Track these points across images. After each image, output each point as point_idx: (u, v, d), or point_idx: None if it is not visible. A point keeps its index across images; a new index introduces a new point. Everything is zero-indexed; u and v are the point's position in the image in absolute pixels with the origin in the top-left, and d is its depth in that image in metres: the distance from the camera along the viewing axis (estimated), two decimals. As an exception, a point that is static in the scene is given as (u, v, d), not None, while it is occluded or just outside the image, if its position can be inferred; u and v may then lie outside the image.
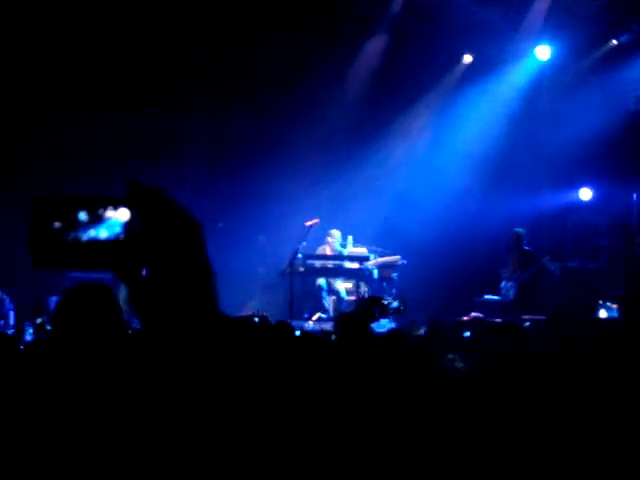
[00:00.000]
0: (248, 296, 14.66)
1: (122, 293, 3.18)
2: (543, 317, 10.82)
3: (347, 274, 14.41)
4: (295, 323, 10.39)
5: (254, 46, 15.15)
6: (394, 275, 14.43)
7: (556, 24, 14.98)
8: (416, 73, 15.68)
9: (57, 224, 1.58)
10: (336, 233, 14.60)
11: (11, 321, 13.22)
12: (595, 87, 14.97)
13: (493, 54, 15.47)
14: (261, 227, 15.89)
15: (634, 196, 14.26)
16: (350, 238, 14.70)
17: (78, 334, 3.18)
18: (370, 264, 14.21)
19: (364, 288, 14.19)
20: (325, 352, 4.92)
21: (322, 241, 14.62)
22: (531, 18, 15.27)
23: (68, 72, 14.89)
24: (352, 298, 14.26)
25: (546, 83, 15.68)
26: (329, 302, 14.50)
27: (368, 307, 9.55)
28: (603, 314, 12.31)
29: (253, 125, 16.12)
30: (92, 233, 1.57)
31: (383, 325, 10.52)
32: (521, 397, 4.08)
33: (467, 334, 8.04)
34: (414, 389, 4.24)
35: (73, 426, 2.71)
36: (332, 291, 14.54)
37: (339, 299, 14.47)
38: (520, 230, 13.99)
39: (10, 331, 12.13)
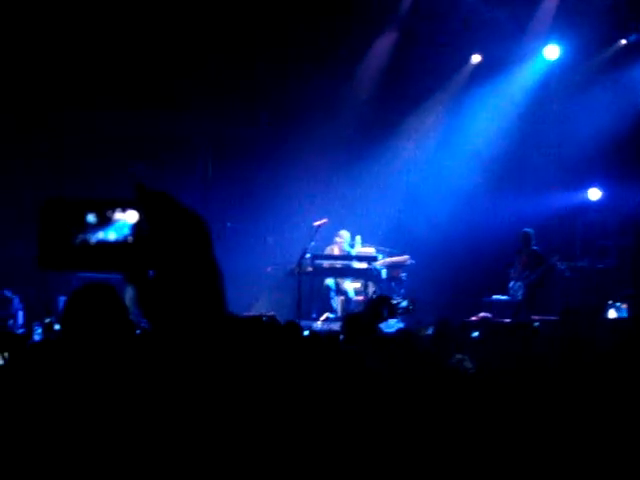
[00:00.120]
0: (256, 296, 14.66)
1: (129, 293, 3.18)
2: (552, 317, 10.81)
3: (355, 274, 14.40)
4: (303, 323, 10.37)
5: (262, 46, 15.14)
6: (402, 275, 14.42)
7: (565, 24, 14.94)
8: (425, 73, 15.65)
9: (67, 227, 1.59)
10: (345, 234, 14.59)
11: (20, 321, 13.24)
12: (604, 87, 14.94)
13: (502, 54, 15.43)
14: (269, 228, 15.89)
15: (643, 196, 14.26)
16: (358, 238, 14.70)
17: (85, 333, 3.18)
18: (378, 264, 14.20)
19: (372, 288, 14.18)
20: (332, 352, 4.91)
21: (330, 241, 14.61)
22: (540, 17, 15.23)
23: (73, 72, 14.88)
24: (360, 298, 14.25)
25: (555, 83, 15.64)
26: (337, 302, 14.49)
27: (376, 307, 9.54)
28: (613, 314, 12.28)
29: (261, 125, 16.12)
30: (101, 235, 1.57)
31: (391, 325, 10.51)
32: (530, 398, 4.07)
33: (475, 334, 8.03)
34: (423, 389, 4.23)
35: (80, 425, 2.72)
36: (340, 291, 14.53)
37: (347, 299, 14.46)
38: (529, 230, 13.96)
39: (19, 331, 12.14)
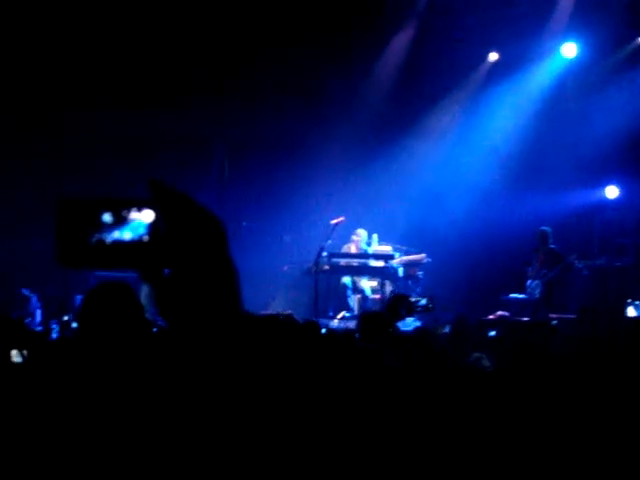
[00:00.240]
0: (272, 295, 14.67)
1: (144, 291, 3.17)
2: (570, 316, 10.77)
3: (372, 272, 14.39)
4: (320, 321, 10.38)
5: (280, 45, 15.14)
6: (419, 273, 14.41)
7: (582, 22, 14.90)
8: (442, 71, 15.64)
9: (83, 226, 1.59)
10: (362, 233, 14.58)
11: (37, 319, 13.30)
12: (621, 85, 14.88)
13: (519, 52, 15.39)
14: (286, 226, 15.89)
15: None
16: (375, 236, 14.69)
17: (102, 332, 3.19)
18: (395, 262, 14.18)
19: (389, 286, 14.16)
20: (349, 350, 4.91)
21: (347, 239, 14.60)
22: (557, 15, 15.18)
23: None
24: (377, 296, 14.24)
25: (572, 81, 15.58)
26: (354, 300, 14.48)
27: (395, 305, 9.53)
28: (632, 312, 12.22)
29: (278, 124, 16.11)
30: (116, 235, 1.57)
31: (409, 324, 10.49)
32: (549, 396, 4.05)
33: (492, 333, 8.01)
34: (441, 387, 4.22)
35: (98, 422, 2.72)
36: (357, 289, 14.53)
37: (364, 297, 14.45)
38: (546, 229, 13.92)
39: (37, 329, 12.19)
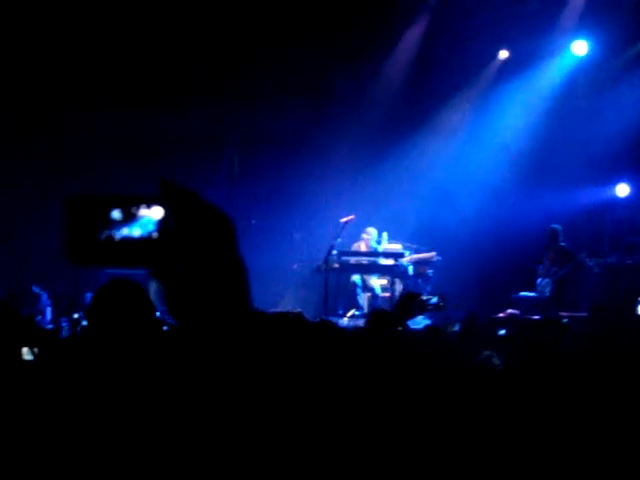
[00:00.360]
0: (282, 293, 14.68)
1: (152, 289, 3.17)
2: (581, 314, 10.75)
3: (382, 270, 14.38)
4: (329, 320, 10.38)
5: (289, 43, 15.14)
6: (429, 272, 14.39)
7: (593, 19, 14.87)
8: (452, 68, 15.62)
9: (92, 223, 1.59)
10: (372, 231, 14.57)
11: (48, 317, 13.34)
12: (633, 82, 14.85)
13: (530, 49, 15.36)
14: (296, 224, 15.89)
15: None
16: (385, 235, 14.68)
17: (111, 330, 3.19)
18: (405, 260, 14.17)
19: (399, 285, 14.15)
20: (359, 348, 4.90)
21: (357, 238, 14.59)
22: (568, 13, 15.15)
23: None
24: (387, 295, 14.23)
25: (583, 78, 15.55)
26: (364, 299, 14.48)
27: (406, 303, 9.52)
28: (643, 310, 12.20)
29: (288, 122, 16.12)
30: (125, 231, 1.57)
31: (418, 322, 10.49)
32: (560, 395, 4.04)
33: (502, 332, 8.00)
34: (451, 385, 4.21)
35: (109, 420, 2.72)
36: (367, 288, 14.52)
37: (374, 296, 14.45)
38: (557, 226, 13.90)
39: (48, 326, 12.24)
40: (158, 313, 3.45)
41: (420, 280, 14.28)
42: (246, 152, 16.24)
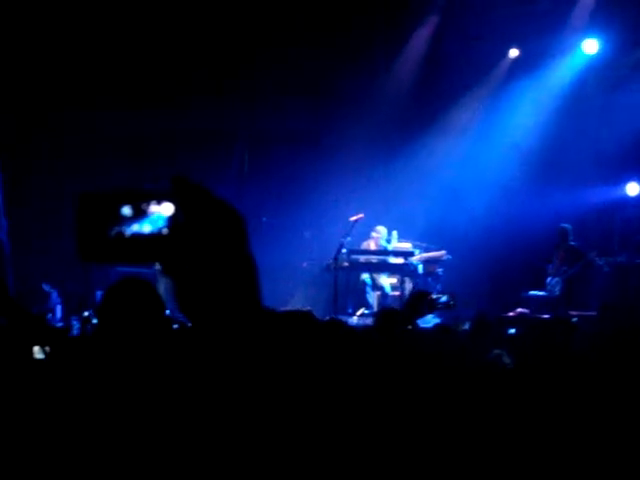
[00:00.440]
0: (291, 292, 14.68)
1: (161, 287, 3.17)
2: (590, 313, 10.72)
3: (391, 269, 14.38)
4: (339, 318, 10.38)
5: (299, 42, 15.15)
6: (439, 270, 14.38)
7: (603, 18, 14.84)
8: (463, 67, 15.60)
9: (103, 220, 1.59)
10: (382, 230, 14.56)
11: (58, 315, 13.36)
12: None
13: (540, 48, 15.34)
14: (306, 223, 15.89)
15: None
16: (395, 233, 14.67)
17: (122, 328, 3.20)
18: (415, 259, 14.16)
19: (409, 283, 14.14)
20: (368, 346, 4.91)
21: (367, 236, 14.58)
22: (578, 12, 15.13)
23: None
24: (397, 293, 14.22)
25: (593, 77, 15.51)
26: (373, 297, 14.47)
27: (416, 302, 9.51)
28: (652, 310, 12.16)
29: (298, 120, 16.13)
30: (135, 228, 1.57)
31: (428, 320, 10.47)
32: (571, 394, 4.03)
33: (512, 331, 7.99)
34: (461, 384, 4.21)
35: (121, 418, 2.73)
36: (376, 286, 14.51)
37: (384, 294, 14.44)
38: (566, 226, 13.87)
39: (58, 325, 12.25)
40: (168, 311, 3.46)
41: (430, 279, 14.27)
42: (256, 151, 16.26)
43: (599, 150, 14.96)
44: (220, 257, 1.61)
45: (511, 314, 12.33)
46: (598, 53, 15.34)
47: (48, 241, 13.91)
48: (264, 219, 14.98)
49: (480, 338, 6.56)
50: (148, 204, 1.58)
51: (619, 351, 4.91)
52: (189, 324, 1.70)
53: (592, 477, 3.65)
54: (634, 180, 15.25)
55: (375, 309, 13.82)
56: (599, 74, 15.43)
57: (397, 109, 16.22)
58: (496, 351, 5.37)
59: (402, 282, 14.18)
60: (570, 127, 15.21)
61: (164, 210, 1.58)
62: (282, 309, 10.15)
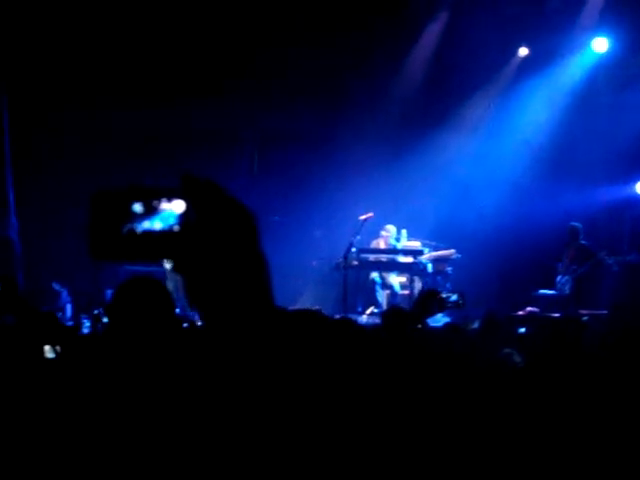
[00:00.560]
0: (301, 290, 14.69)
1: (169, 285, 3.18)
2: (600, 312, 10.71)
3: (401, 268, 14.38)
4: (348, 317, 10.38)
5: (310, 41, 15.14)
6: (448, 269, 14.38)
7: (613, 17, 14.82)
8: (473, 65, 15.58)
9: (115, 217, 1.59)
10: (391, 229, 14.56)
11: (68, 314, 13.39)
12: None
13: (550, 47, 15.32)
14: (315, 221, 15.90)
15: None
16: (404, 232, 14.66)
17: (132, 326, 3.20)
18: (424, 258, 14.15)
19: (418, 282, 14.14)
20: (378, 345, 4.90)
21: (376, 235, 14.59)
22: (588, 11, 15.11)
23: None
24: (406, 292, 14.22)
25: (603, 76, 15.49)
26: (383, 296, 14.47)
27: (426, 301, 9.50)
28: (662, 309, 12.13)
29: (308, 120, 16.13)
30: (147, 225, 1.57)
31: (438, 319, 10.46)
32: (581, 393, 4.03)
33: (522, 330, 7.97)
34: (472, 383, 4.20)
35: (132, 417, 2.73)
36: (386, 285, 14.51)
37: (393, 293, 14.44)
38: (576, 224, 13.85)
39: (68, 323, 12.27)
40: (177, 310, 3.46)
41: (439, 277, 14.27)
42: (266, 150, 16.27)
43: (609, 148, 14.94)
44: (231, 254, 1.61)
45: (521, 313, 12.31)
46: (608, 52, 15.33)
47: (58, 240, 13.93)
48: (276, 218, 14.99)
49: (490, 337, 6.55)
50: (159, 201, 1.58)
51: (630, 350, 4.90)
52: (199, 323, 1.70)
53: (603, 475, 3.64)
54: (644, 179, 15.24)
55: (384, 308, 13.82)
56: (609, 73, 15.41)
57: (407, 107, 16.22)
58: (506, 350, 5.37)
59: (411, 281, 14.19)
60: (580, 125, 15.19)
61: (175, 207, 1.58)
62: (291, 307, 10.16)
